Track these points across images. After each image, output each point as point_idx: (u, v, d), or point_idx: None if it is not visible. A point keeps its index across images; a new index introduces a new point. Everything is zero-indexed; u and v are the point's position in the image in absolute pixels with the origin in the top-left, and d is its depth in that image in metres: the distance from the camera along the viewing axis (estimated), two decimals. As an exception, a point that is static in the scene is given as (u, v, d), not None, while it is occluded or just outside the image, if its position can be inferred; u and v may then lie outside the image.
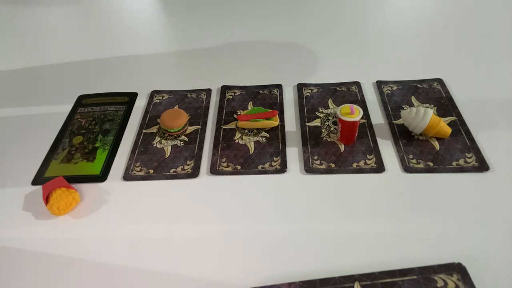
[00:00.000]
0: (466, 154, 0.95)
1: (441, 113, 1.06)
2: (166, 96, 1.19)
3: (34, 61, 1.41)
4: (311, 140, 1.02)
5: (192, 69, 1.31)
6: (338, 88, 1.17)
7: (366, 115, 1.08)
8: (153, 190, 0.94)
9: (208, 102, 1.16)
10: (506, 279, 0.73)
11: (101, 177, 0.98)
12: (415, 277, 0.73)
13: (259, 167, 0.97)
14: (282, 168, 0.96)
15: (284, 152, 1.00)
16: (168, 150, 1.03)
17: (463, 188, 0.88)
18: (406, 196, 0.88)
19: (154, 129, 1.09)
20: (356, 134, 0.99)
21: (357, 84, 1.18)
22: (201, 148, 1.03)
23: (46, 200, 0.89)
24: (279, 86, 1.19)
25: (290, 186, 0.92)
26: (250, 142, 1.03)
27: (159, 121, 1.10)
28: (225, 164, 0.98)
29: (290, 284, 0.74)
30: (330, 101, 1.13)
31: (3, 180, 0.99)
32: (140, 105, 1.18)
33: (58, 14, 1.66)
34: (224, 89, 1.20)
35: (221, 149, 1.02)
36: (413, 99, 1.11)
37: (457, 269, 0.74)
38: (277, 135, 1.04)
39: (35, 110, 1.20)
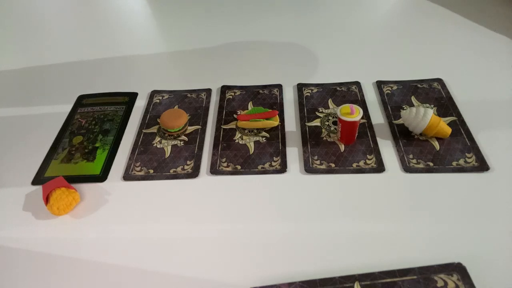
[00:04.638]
0: (466, 154, 0.95)
1: (441, 113, 1.06)
2: (166, 96, 1.19)
3: (34, 61, 1.41)
4: (311, 140, 1.02)
5: (192, 69, 1.31)
6: (338, 88, 1.17)
7: (366, 115, 1.08)
8: (153, 190, 0.94)
9: (208, 102, 1.16)
10: (506, 279, 0.73)
11: (101, 177, 0.98)
12: (415, 277, 0.73)
13: (259, 167, 0.97)
14: (282, 168, 0.96)
15: (284, 152, 0.99)
16: (168, 150, 1.03)
17: (463, 188, 0.88)
18: (406, 196, 0.88)
19: (154, 129, 1.09)
20: (356, 134, 0.99)
21: (357, 84, 1.18)
22: (201, 148, 1.03)
23: (46, 200, 0.89)
24: (279, 86, 1.19)
25: (290, 186, 0.92)
26: (250, 142, 1.03)
27: (159, 121, 1.10)
28: (225, 164, 0.98)
29: (290, 284, 0.74)
30: (330, 101, 1.13)
31: (3, 180, 0.99)
32: (140, 105, 1.18)
33: (58, 14, 1.66)
34: (224, 89, 1.20)
35: (221, 149, 1.02)
36: (413, 99, 1.11)
37: (457, 269, 0.74)
38: (277, 135, 1.04)
39: (35, 110, 1.20)
